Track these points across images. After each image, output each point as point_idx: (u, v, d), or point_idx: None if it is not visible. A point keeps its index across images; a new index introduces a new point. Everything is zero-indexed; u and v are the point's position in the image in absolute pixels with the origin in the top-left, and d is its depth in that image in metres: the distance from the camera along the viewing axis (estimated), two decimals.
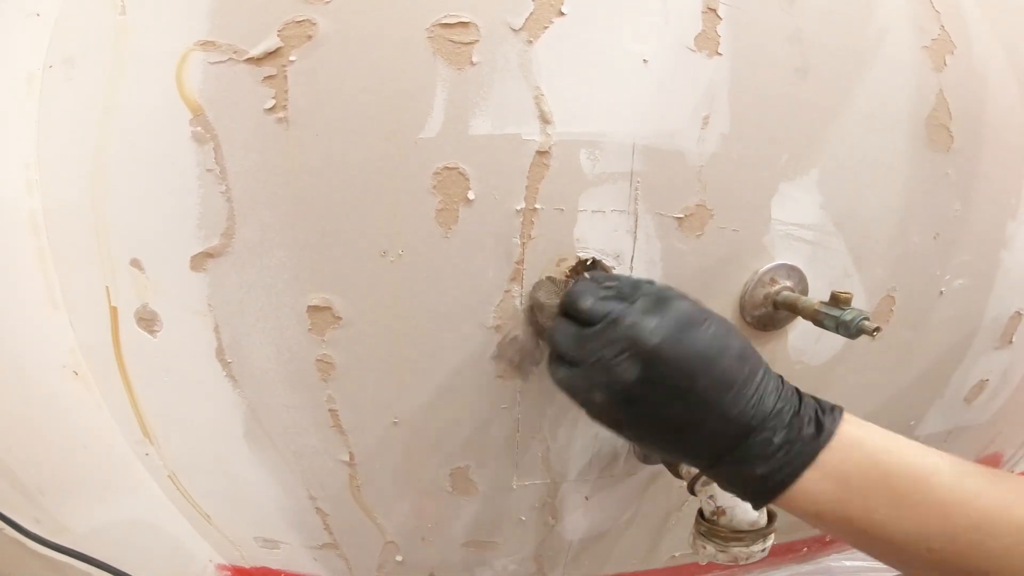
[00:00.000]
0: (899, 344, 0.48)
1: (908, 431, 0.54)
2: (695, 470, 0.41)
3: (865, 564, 0.65)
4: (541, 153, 0.34)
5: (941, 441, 0.58)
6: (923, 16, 0.40)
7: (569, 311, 0.31)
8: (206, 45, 0.33)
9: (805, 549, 0.62)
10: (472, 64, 0.32)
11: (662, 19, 0.34)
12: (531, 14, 0.32)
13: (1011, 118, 0.44)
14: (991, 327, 0.51)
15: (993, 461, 0.66)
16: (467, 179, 0.34)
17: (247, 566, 0.51)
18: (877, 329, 0.34)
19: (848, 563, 0.65)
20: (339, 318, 0.36)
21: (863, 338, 0.35)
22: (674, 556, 0.54)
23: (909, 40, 0.40)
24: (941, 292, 0.46)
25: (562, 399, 0.33)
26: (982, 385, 0.55)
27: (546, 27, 0.33)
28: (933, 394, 0.53)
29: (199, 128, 0.34)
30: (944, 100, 0.41)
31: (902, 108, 0.40)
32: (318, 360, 0.38)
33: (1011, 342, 0.54)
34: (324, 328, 0.37)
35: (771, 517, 0.40)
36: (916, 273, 0.45)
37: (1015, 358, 0.55)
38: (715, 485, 0.38)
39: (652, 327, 0.28)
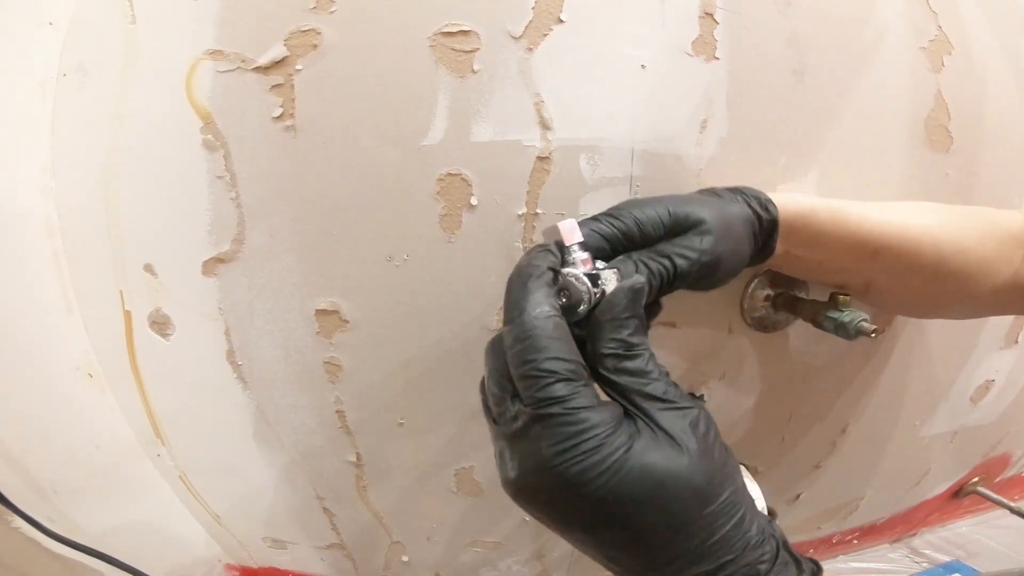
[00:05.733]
0: (903, 344, 0.48)
1: (914, 431, 0.54)
2: None
3: (872, 566, 0.65)
4: (542, 159, 0.34)
5: (947, 442, 0.57)
6: (920, 17, 0.40)
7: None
8: (215, 54, 0.34)
9: (812, 551, 0.62)
10: (473, 72, 0.33)
11: (659, 24, 0.34)
12: (530, 22, 0.33)
13: (1011, 117, 0.44)
14: (996, 326, 0.51)
15: (1001, 462, 0.66)
16: (470, 185, 0.35)
17: (255, 566, 0.52)
18: (876, 331, 0.35)
19: (855, 564, 0.65)
20: (346, 321, 0.37)
21: (866, 339, 0.35)
22: None
23: (907, 41, 0.40)
24: None
25: None
26: (988, 385, 0.55)
27: (545, 35, 0.33)
28: (938, 394, 0.53)
29: (209, 136, 0.34)
30: (943, 100, 0.41)
31: (901, 109, 0.40)
32: (326, 362, 0.38)
33: (1016, 341, 0.54)
34: (332, 331, 0.37)
35: (772, 514, 0.41)
36: None
37: (1021, 358, 0.55)
38: None
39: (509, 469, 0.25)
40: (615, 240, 0.28)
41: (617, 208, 0.30)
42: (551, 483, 0.23)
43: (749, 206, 0.32)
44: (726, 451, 0.25)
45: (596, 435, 0.22)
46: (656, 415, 0.24)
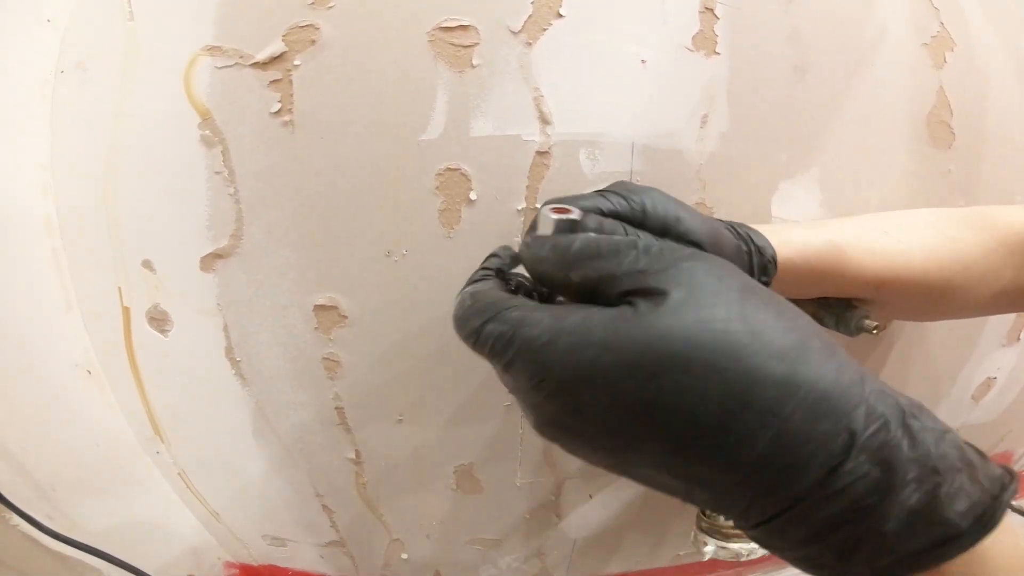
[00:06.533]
0: (904, 341, 0.48)
1: None
2: None
3: None
4: (541, 154, 0.34)
5: None
6: (922, 13, 0.40)
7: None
8: (213, 50, 0.34)
9: None
10: (472, 66, 0.33)
11: (660, 20, 0.34)
12: (530, 16, 0.33)
13: (1012, 114, 0.43)
14: (998, 324, 0.51)
15: (1003, 460, 0.66)
16: (469, 180, 0.34)
17: (255, 563, 0.52)
18: (878, 327, 0.34)
19: None
20: (345, 317, 0.37)
21: (867, 335, 0.35)
22: (678, 555, 0.54)
23: (908, 38, 0.40)
24: None
25: None
26: (989, 383, 0.55)
27: (545, 29, 0.33)
28: (940, 392, 0.53)
29: (207, 132, 0.34)
30: (945, 97, 0.41)
31: (902, 106, 0.40)
32: (324, 358, 0.38)
33: (1019, 339, 0.53)
34: (330, 327, 0.37)
35: None
36: None
37: (1023, 355, 0.55)
38: None
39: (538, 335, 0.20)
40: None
41: (634, 192, 0.27)
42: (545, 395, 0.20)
43: (750, 260, 0.30)
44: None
45: (541, 315, 0.20)
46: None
